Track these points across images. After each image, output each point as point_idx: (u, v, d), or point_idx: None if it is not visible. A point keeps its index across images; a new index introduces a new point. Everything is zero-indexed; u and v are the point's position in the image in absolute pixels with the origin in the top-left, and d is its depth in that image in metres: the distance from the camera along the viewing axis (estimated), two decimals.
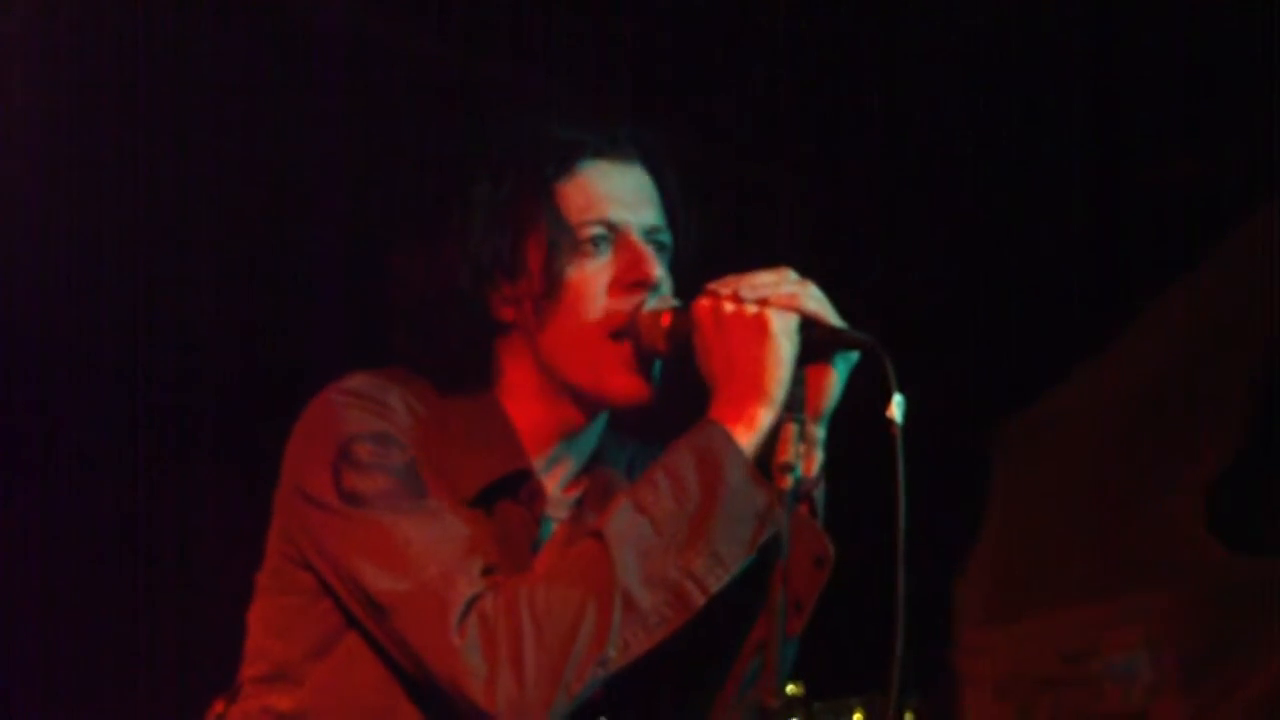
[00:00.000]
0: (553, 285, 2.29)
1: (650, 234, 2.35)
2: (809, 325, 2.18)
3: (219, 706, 2.47)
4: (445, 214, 2.36)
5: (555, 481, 2.41)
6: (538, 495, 2.35)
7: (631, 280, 2.31)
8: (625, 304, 2.31)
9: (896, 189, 4.53)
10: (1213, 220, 4.55)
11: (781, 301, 2.18)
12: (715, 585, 2.13)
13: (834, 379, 2.22)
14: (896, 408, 2.10)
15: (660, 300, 2.32)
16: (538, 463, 2.37)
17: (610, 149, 2.38)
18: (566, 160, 2.35)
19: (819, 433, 2.24)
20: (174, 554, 4.19)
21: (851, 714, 4.74)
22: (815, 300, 2.20)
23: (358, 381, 2.32)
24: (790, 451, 2.15)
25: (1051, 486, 4.87)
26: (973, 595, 4.90)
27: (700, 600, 2.13)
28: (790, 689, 4.87)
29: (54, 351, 4.17)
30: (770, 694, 2.12)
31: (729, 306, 2.19)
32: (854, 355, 2.21)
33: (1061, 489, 4.83)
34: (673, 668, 2.32)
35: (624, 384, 2.31)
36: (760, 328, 2.16)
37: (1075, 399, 4.90)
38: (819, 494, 2.27)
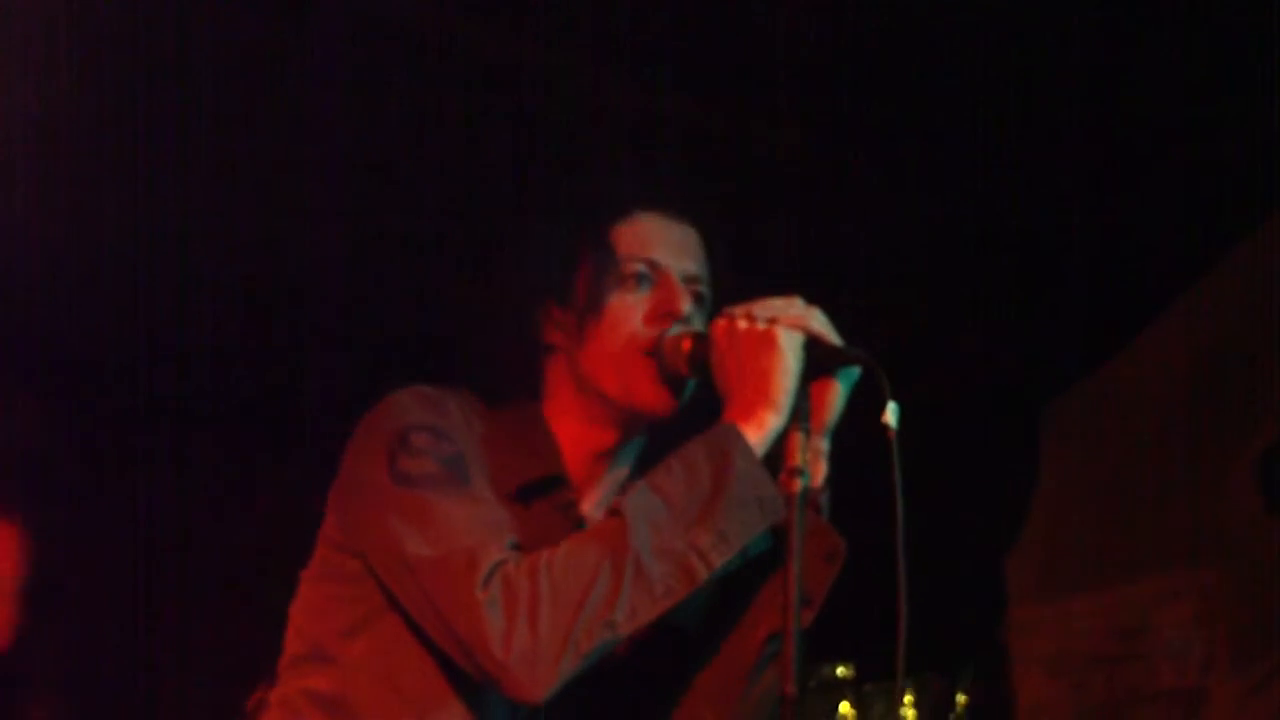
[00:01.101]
0: (595, 308, 2.55)
1: (689, 281, 2.59)
2: (814, 343, 2.41)
3: (260, 693, 2.58)
4: (507, 246, 2.70)
5: (592, 500, 2.61)
6: (574, 505, 2.55)
7: (664, 311, 2.56)
8: (656, 330, 2.54)
9: (941, 170, 4.53)
10: (1267, 191, 4.52)
11: (789, 320, 2.41)
12: (719, 561, 2.32)
13: (837, 394, 2.45)
14: (891, 414, 2.31)
15: (684, 327, 2.54)
16: (576, 477, 2.59)
17: (666, 205, 2.64)
18: (625, 207, 2.63)
19: (824, 445, 2.47)
20: (220, 553, 4.23)
21: (902, 695, 4.77)
22: (820, 322, 2.43)
23: (420, 388, 2.54)
24: (798, 457, 2.37)
25: (1103, 462, 4.86)
26: (1024, 572, 4.90)
27: (704, 574, 2.31)
28: (840, 671, 4.90)
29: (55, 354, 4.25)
30: (788, 683, 2.27)
31: (742, 324, 2.42)
32: (854, 374, 2.44)
33: (1113, 465, 4.81)
34: (683, 661, 2.55)
35: (651, 395, 2.54)
36: (769, 342, 2.39)
37: (1126, 374, 4.88)
38: (825, 500, 2.47)
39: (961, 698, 4.82)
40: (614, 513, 2.33)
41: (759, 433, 2.35)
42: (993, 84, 4.17)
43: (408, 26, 3.74)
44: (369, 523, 2.43)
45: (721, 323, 2.44)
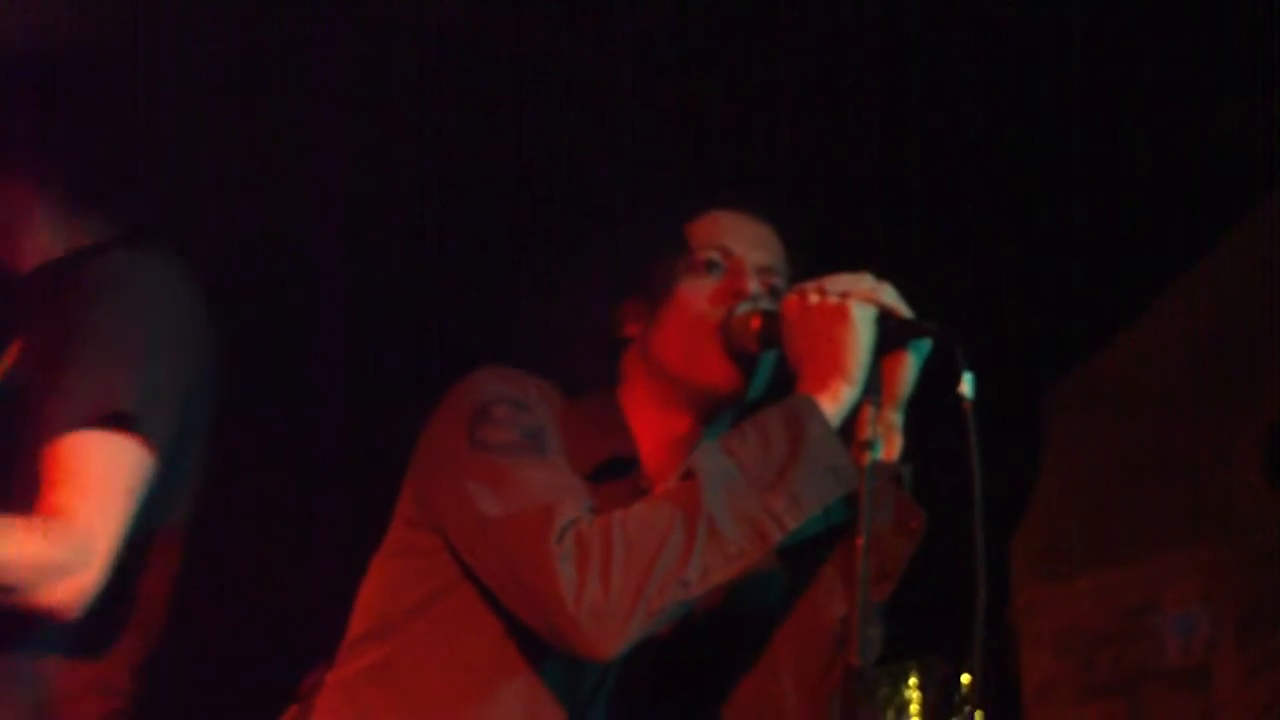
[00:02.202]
0: (667, 293, 2.55)
1: (762, 271, 2.57)
2: (886, 316, 2.38)
3: (315, 675, 2.55)
4: (588, 244, 2.70)
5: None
6: (645, 489, 2.51)
7: (732, 291, 2.53)
8: (724, 309, 2.53)
9: (939, 159, 4.53)
10: (1262, 174, 4.54)
11: (862, 294, 2.38)
12: (792, 524, 2.28)
13: (909, 367, 2.42)
14: (967, 385, 2.28)
15: (751, 304, 2.51)
16: (651, 464, 2.56)
17: (748, 206, 2.64)
18: (703, 204, 2.63)
19: (897, 418, 2.43)
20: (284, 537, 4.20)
21: (907, 677, 4.77)
22: (891, 296, 2.40)
23: (499, 367, 2.54)
24: (869, 430, 2.34)
25: (1107, 442, 4.87)
26: (1030, 553, 4.91)
27: (776, 537, 2.28)
28: None
29: None
30: (853, 654, 2.25)
31: (814, 298, 2.39)
32: (926, 347, 2.41)
33: (1118, 444, 4.83)
34: (760, 636, 2.51)
35: (718, 372, 2.51)
36: (842, 315, 2.36)
37: (1130, 354, 4.90)
38: (906, 472, 2.42)
39: (965, 678, 4.82)
40: (687, 474, 2.31)
41: (833, 404, 2.32)
42: (993, 72, 4.19)
43: (493, 26, 3.76)
44: (445, 489, 2.41)
45: (793, 298, 2.42)
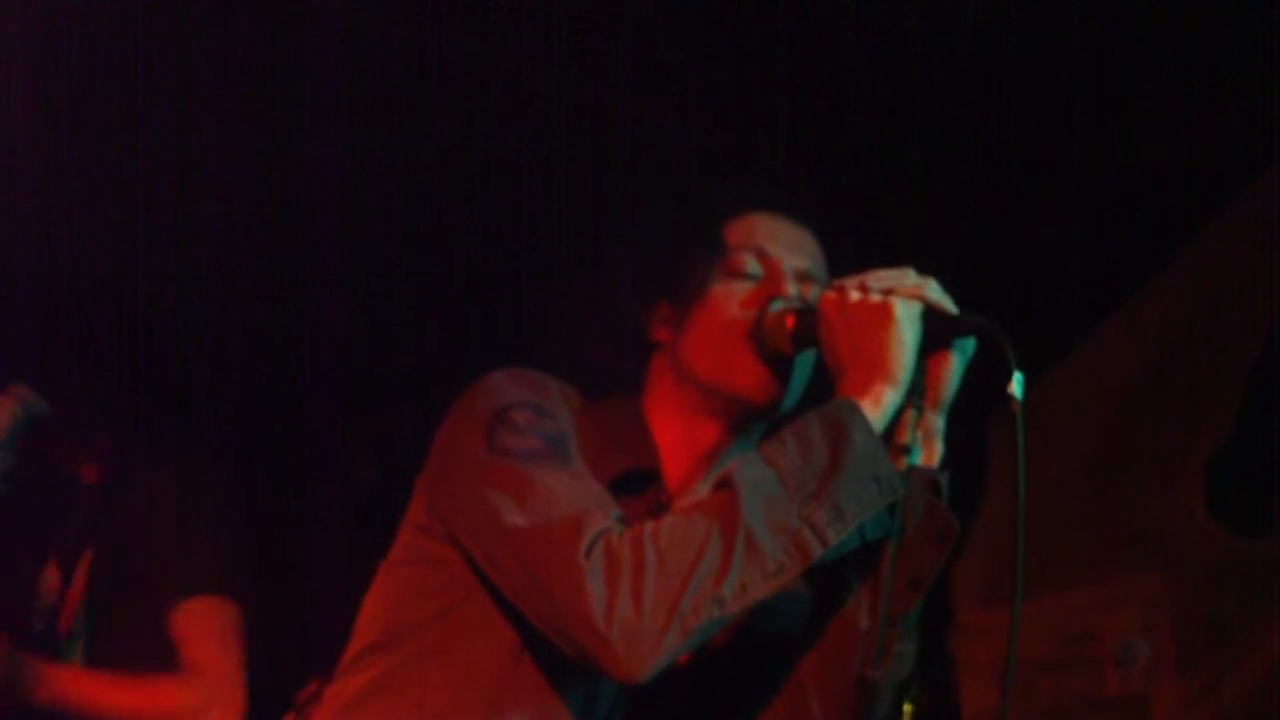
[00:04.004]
0: (698, 296, 2.43)
1: (800, 277, 2.45)
2: (932, 314, 2.27)
3: (314, 686, 2.42)
4: (621, 245, 2.63)
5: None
6: (666, 504, 2.39)
7: (767, 295, 2.41)
8: (757, 312, 2.41)
9: (897, 175, 4.49)
10: (1208, 197, 4.53)
11: (907, 291, 2.27)
12: (834, 538, 2.18)
13: (952, 368, 2.32)
14: (1017, 385, 2.21)
15: (785, 303, 2.39)
16: (675, 476, 2.45)
17: (785, 208, 2.51)
18: (740, 205, 2.50)
19: (938, 422, 2.34)
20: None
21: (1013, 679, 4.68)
22: (936, 292, 2.29)
23: (518, 369, 2.40)
24: (907, 434, 2.25)
25: (1048, 469, 4.82)
26: (970, 580, 4.85)
27: (818, 551, 2.16)
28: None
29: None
30: (869, 665, 2.20)
31: (855, 295, 2.28)
32: (970, 348, 2.32)
33: (1058, 471, 4.78)
34: (784, 654, 2.40)
35: (750, 380, 2.39)
36: (885, 314, 2.25)
37: (1072, 380, 4.86)
38: (944, 479, 2.32)
39: (908, 707, 4.74)
40: (724, 484, 2.18)
41: (876, 408, 2.22)
42: (987, 70, 4.17)
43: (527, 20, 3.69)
44: (463, 498, 2.28)
45: (831, 295, 2.31)
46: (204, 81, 3.80)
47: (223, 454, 3.96)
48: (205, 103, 3.85)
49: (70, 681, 3.50)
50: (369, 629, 2.40)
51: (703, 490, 2.39)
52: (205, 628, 3.51)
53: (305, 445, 4.61)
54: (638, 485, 2.40)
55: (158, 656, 3.52)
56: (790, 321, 2.36)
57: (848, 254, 2.52)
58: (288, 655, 3.70)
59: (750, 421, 2.45)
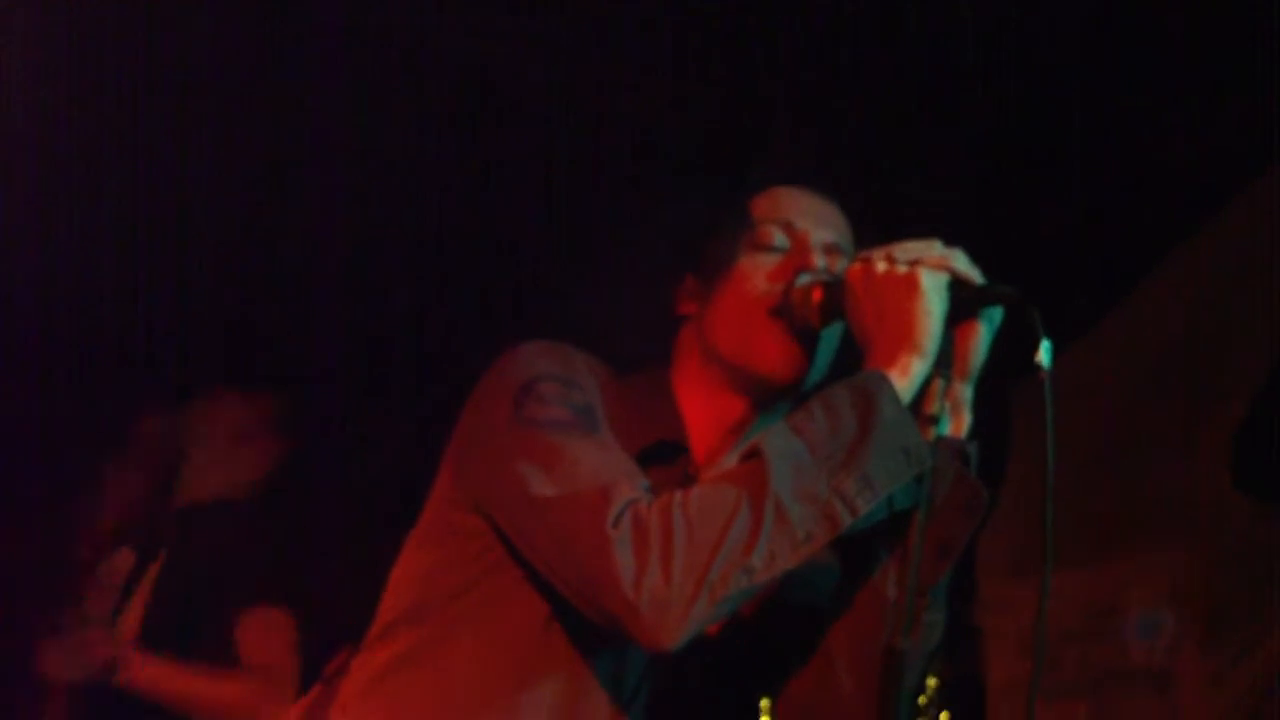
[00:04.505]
0: (724, 269, 2.41)
1: (828, 250, 2.43)
2: (959, 285, 2.26)
3: (342, 658, 2.43)
4: (648, 220, 2.63)
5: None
6: (692, 479, 2.36)
7: (794, 267, 2.39)
8: (783, 286, 2.39)
9: (905, 160, 4.48)
10: (1229, 175, 4.53)
11: (933, 261, 2.25)
12: (863, 507, 2.16)
13: (980, 338, 2.30)
14: (1044, 353, 2.19)
15: (812, 276, 2.37)
16: (701, 450, 2.44)
17: (811, 183, 2.50)
18: (767, 179, 2.50)
19: (967, 393, 2.33)
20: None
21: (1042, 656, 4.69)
22: (964, 263, 2.28)
23: (544, 342, 2.39)
24: (935, 405, 2.24)
25: (1074, 441, 4.82)
26: (996, 552, 4.85)
27: (846, 521, 2.15)
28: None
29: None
30: (897, 635, 2.17)
31: (881, 266, 2.26)
32: (997, 318, 2.30)
33: (1083, 446, 4.78)
34: (811, 626, 2.40)
35: (776, 357, 2.38)
36: (912, 284, 2.23)
37: (1097, 352, 4.86)
38: (972, 449, 2.32)
39: (932, 680, 4.76)
40: (752, 454, 2.17)
41: (904, 379, 2.20)
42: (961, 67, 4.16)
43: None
44: (491, 469, 2.27)
45: (857, 267, 2.29)
46: (203, 77, 3.79)
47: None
48: (205, 98, 3.84)
49: (151, 668, 3.84)
50: (396, 601, 2.40)
51: (730, 463, 2.38)
52: (267, 635, 3.89)
53: (329, 423, 4.63)
54: (665, 458, 2.38)
55: (225, 657, 3.90)
56: (817, 295, 2.35)
57: (872, 228, 2.51)
58: (315, 627, 3.79)
59: (776, 396, 2.43)
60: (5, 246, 3.88)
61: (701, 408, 2.44)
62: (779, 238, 2.44)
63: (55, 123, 3.79)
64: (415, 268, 4.33)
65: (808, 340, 2.38)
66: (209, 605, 3.92)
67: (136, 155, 3.95)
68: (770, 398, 2.43)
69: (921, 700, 4.74)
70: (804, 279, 2.37)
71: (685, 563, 2.08)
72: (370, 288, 4.32)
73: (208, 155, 3.99)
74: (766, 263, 2.42)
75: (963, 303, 2.26)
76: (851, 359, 2.31)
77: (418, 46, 3.80)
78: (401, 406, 4.36)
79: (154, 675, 3.83)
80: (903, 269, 2.24)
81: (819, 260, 2.41)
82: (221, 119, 3.94)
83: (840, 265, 2.42)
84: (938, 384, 2.24)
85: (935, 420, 2.23)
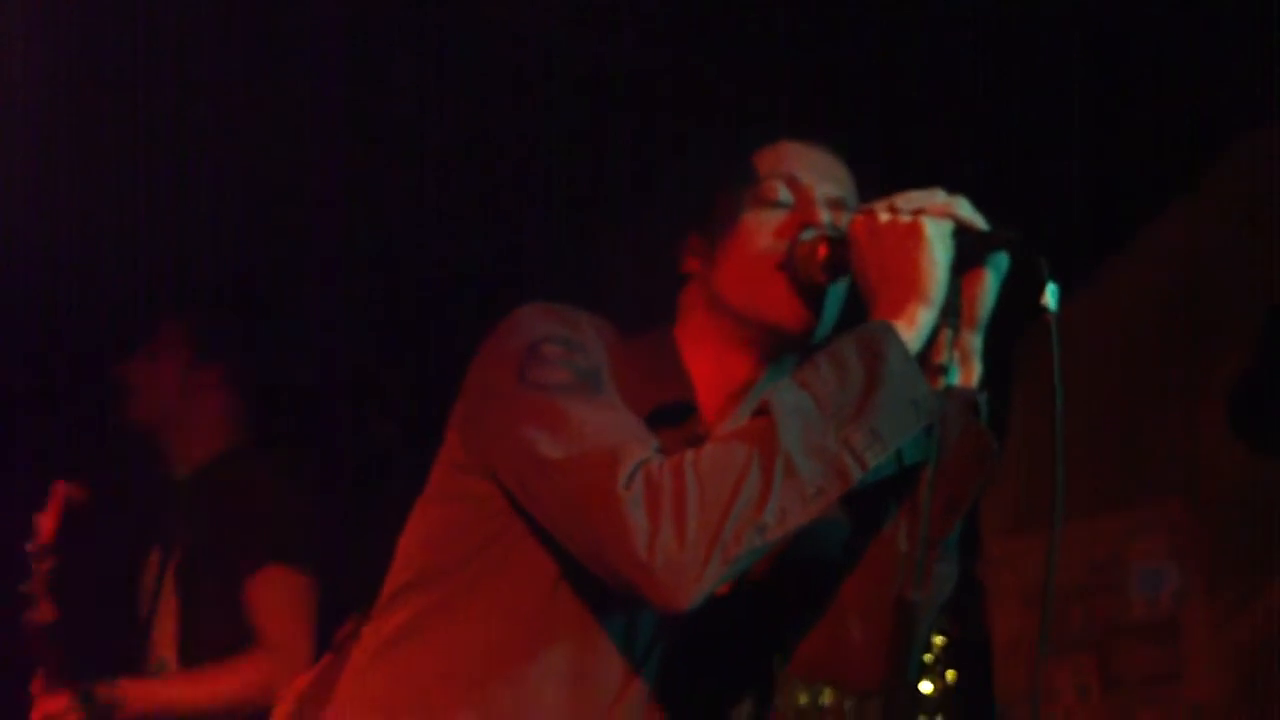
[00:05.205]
0: (730, 226, 2.41)
1: (832, 204, 2.42)
2: (963, 231, 2.24)
3: (351, 624, 2.43)
4: (655, 176, 2.42)
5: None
6: (704, 436, 2.35)
7: (799, 223, 2.38)
8: (789, 242, 2.38)
9: (907, 110, 4.47)
10: (1225, 125, 4.52)
11: (937, 209, 2.24)
12: (872, 460, 2.15)
13: (987, 286, 2.30)
14: (1050, 296, 2.19)
15: (817, 231, 2.37)
16: (709, 409, 2.43)
17: (816, 138, 2.49)
18: (770, 134, 2.49)
19: (975, 342, 2.31)
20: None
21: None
22: (967, 210, 2.26)
23: (548, 304, 2.38)
24: (944, 354, 2.24)
25: (1074, 395, 4.82)
26: (999, 507, 4.86)
27: (856, 474, 2.15)
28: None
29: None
30: (908, 587, 2.20)
31: (884, 216, 2.25)
32: (1003, 265, 2.29)
33: (1084, 398, 4.78)
34: (825, 580, 2.40)
35: (783, 308, 2.37)
36: (916, 233, 2.22)
37: (1097, 306, 4.86)
38: (983, 399, 2.31)
39: (939, 639, 4.77)
40: (761, 411, 2.16)
41: (911, 329, 2.19)
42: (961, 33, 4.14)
43: None
44: (498, 433, 2.26)
45: (860, 219, 2.28)
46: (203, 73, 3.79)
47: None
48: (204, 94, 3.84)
49: (150, 694, 3.77)
50: (406, 567, 2.39)
51: (739, 420, 2.39)
52: (277, 598, 3.79)
53: (329, 390, 4.62)
54: (674, 418, 2.38)
55: (241, 629, 3.82)
56: (823, 250, 2.33)
57: (876, 179, 2.50)
58: (325, 594, 3.77)
59: (783, 352, 2.43)
60: (5, 246, 3.90)
61: (708, 365, 2.43)
62: (783, 193, 2.42)
63: (55, 122, 3.80)
64: (419, 233, 4.31)
65: (814, 295, 2.37)
66: (221, 575, 3.84)
67: (136, 155, 3.97)
68: (776, 353, 2.43)
69: (928, 658, 4.75)
70: (809, 234, 2.36)
71: (698, 522, 2.07)
72: (371, 257, 4.30)
73: (207, 155, 3.98)
74: (771, 219, 2.40)
75: (968, 249, 2.25)
76: (858, 313, 2.30)
77: (415, 9, 3.78)
78: (407, 369, 4.35)
79: (154, 697, 3.76)
80: (906, 218, 2.23)
81: (823, 215, 2.39)
82: (221, 117, 3.94)
83: (845, 218, 2.40)
84: (946, 334, 2.23)
85: (944, 370, 2.23)
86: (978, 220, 2.26)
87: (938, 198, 2.26)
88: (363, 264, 4.32)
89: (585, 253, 2.74)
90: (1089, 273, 4.85)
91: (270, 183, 4.18)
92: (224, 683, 3.75)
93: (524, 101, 4.03)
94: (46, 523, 3.75)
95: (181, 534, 3.99)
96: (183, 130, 3.96)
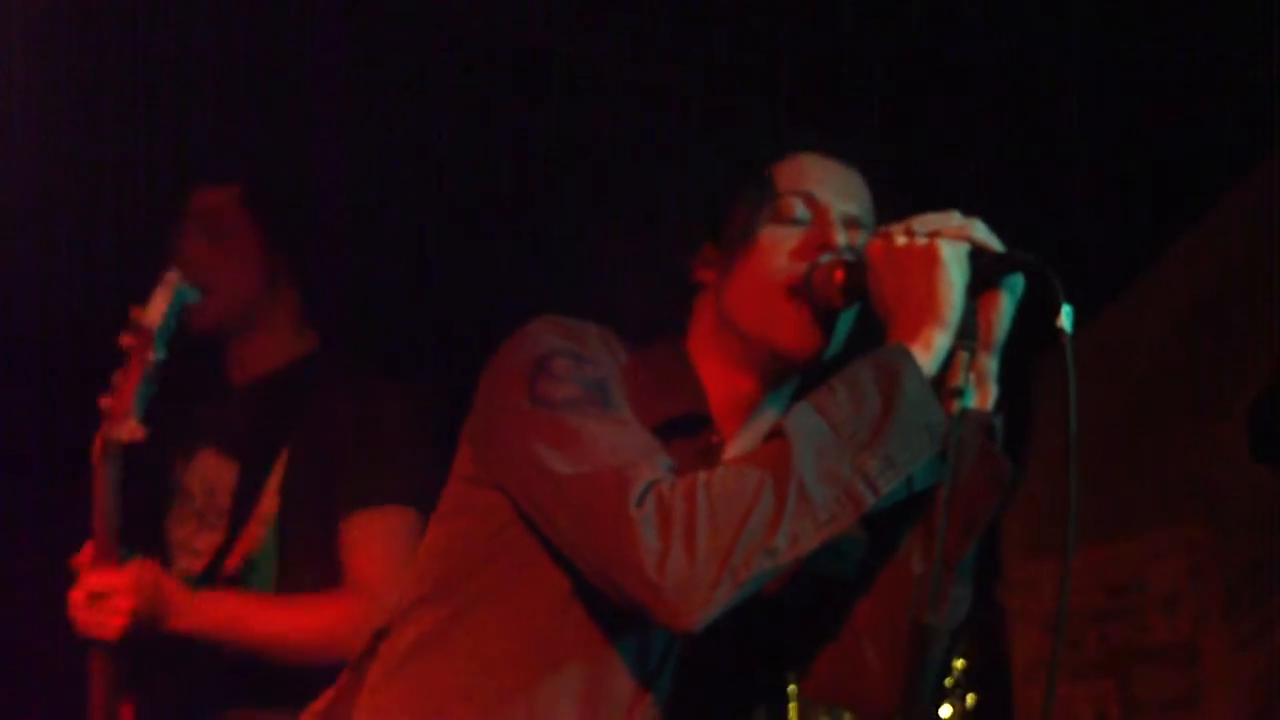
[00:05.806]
0: (745, 241, 2.40)
1: (849, 222, 2.42)
2: (979, 254, 2.25)
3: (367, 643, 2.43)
4: (666, 185, 2.60)
5: (735, 449, 2.43)
6: (716, 449, 2.38)
7: (816, 244, 2.38)
8: (805, 265, 2.38)
9: (926, 127, 4.47)
10: (1245, 149, 4.52)
11: (952, 232, 2.25)
12: (886, 487, 2.16)
13: (1003, 308, 2.30)
14: (1066, 318, 2.18)
15: (833, 255, 2.36)
16: (719, 419, 2.42)
17: (834, 150, 2.48)
18: (788, 146, 2.48)
19: (991, 364, 2.31)
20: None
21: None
22: (983, 232, 2.27)
23: (556, 317, 2.38)
24: (960, 377, 2.22)
25: (1094, 417, 4.82)
26: (1019, 530, 4.85)
27: (869, 501, 2.16)
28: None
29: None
30: (924, 611, 2.17)
31: (901, 240, 2.26)
32: (1019, 287, 2.29)
33: (1105, 421, 4.78)
34: (838, 600, 2.41)
35: (793, 334, 2.37)
36: (932, 256, 2.23)
37: (1117, 330, 4.86)
38: (998, 422, 2.31)
39: (959, 663, 4.75)
40: (775, 433, 2.16)
41: (927, 353, 2.19)
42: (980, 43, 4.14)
43: None
44: (508, 449, 2.27)
45: (877, 243, 2.29)
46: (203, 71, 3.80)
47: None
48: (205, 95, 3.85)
49: (214, 607, 3.23)
50: (420, 581, 2.40)
51: (745, 438, 2.40)
52: (373, 541, 3.32)
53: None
54: (688, 429, 2.39)
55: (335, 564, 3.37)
56: (839, 275, 2.33)
57: (893, 197, 2.51)
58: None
59: (788, 374, 2.44)
60: (5, 246, 3.89)
61: (715, 378, 2.43)
62: (800, 210, 2.41)
63: (55, 123, 3.79)
64: (428, 239, 4.30)
65: (827, 319, 2.37)
66: (328, 513, 3.37)
67: (136, 155, 3.96)
68: (781, 374, 2.43)
69: (948, 682, 4.73)
70: (826, 258, 2.36)
71: (709, 544, 2.08)
72: (383, 261, 4.29)
73: (208, 151, 3.98)
74: (788, 237, 2.39)
75: (984, 272, 2.25)
76: (870, 335, 2.31)
77: (428, 12, 3.78)
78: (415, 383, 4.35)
79: (214, 615, 3.20)
80: (922, 241, 2.23)
81: (840, 237, 2.39)
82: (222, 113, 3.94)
83: (861, 238, 2.40)
84: (962, 356, 2.23)
85: (960, 393, 2.21)
86: (993, 242, 2.27)
87: (953, 220, 2.27)
88: (368, 274, 4.31)
89: (595, 262, 2.72)
90: (1107, 296, 4.84)
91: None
92: (297, 617, 3.25)
93: (531, 107, 4.02)
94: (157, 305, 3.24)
95: (288, 448, 3.47)
96: (182, 130, 3.95)
